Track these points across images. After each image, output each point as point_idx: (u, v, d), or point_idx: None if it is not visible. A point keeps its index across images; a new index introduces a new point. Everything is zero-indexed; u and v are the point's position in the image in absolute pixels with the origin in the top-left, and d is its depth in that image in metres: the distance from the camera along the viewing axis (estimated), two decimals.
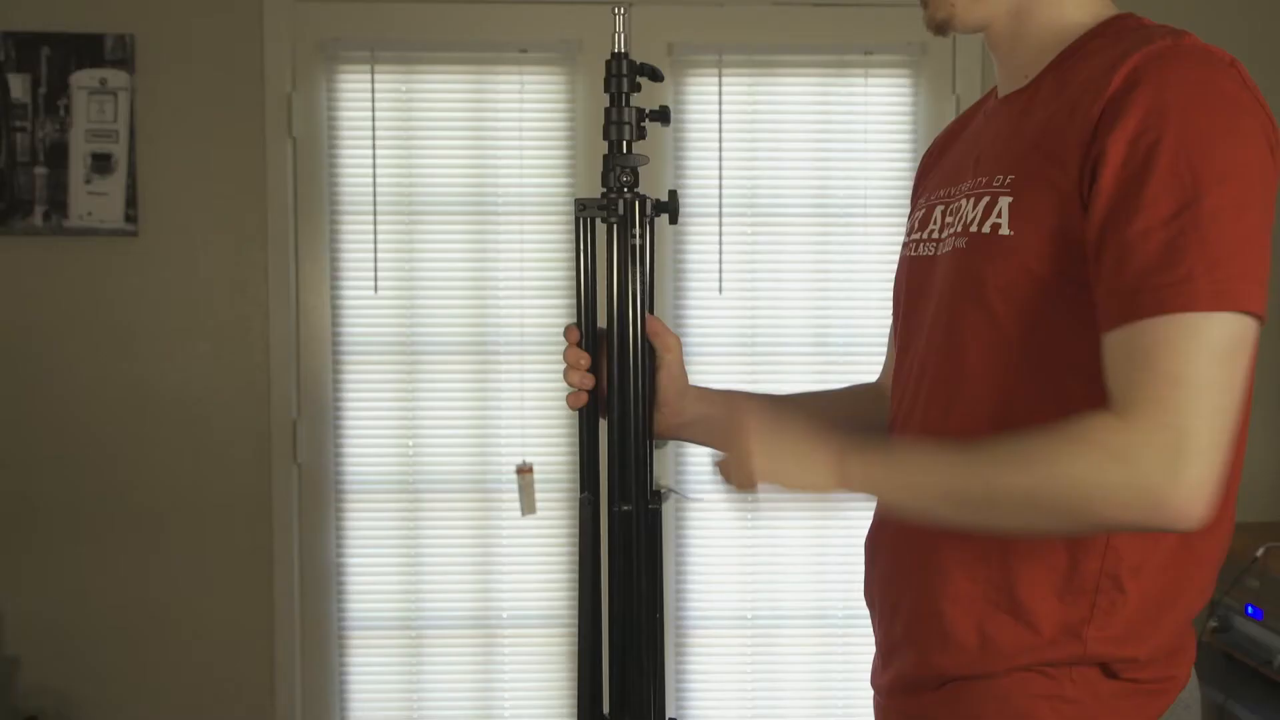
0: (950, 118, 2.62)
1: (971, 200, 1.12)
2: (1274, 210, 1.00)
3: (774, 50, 2.68)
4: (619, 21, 1.18)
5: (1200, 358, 0.93)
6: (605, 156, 1.20)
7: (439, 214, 2.67)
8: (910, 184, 2.75)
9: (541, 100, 2.67)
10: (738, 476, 1.09)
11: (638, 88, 1.20)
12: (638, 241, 1.20)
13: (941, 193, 1.19)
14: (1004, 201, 1.07)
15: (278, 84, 2.62)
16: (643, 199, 1.21)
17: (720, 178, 2.66)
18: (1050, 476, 0.97)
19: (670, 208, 1.23)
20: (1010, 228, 1.06)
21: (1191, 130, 0.97)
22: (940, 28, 1.17)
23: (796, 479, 1.07)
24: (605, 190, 1.21)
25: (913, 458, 1.06)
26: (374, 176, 2.64)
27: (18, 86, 2.58)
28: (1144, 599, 1.06)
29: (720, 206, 2.66)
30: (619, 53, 1.18)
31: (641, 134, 1.20)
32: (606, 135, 1.19)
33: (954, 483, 1.01)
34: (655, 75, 1.21)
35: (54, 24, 2.58)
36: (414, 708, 2.73)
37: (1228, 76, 1.00)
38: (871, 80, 2.68)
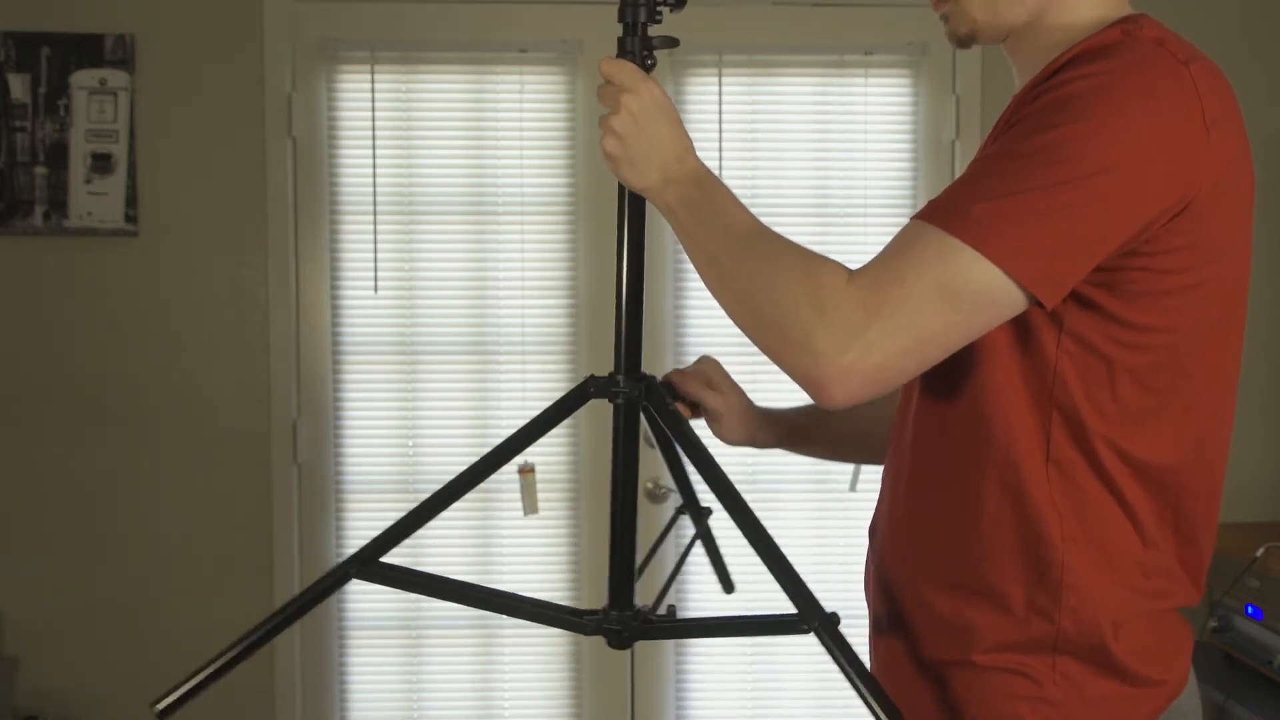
0: (950, 118, 2.62)
1: None
2: (1136, 216, 0.96)
3: (774, 50, 2.68)
4: None
5: (929, 276, 0.95)
6: (619, 39, 1.18)
7: (439, 214, 2.68)
8: (910, 183, 2.75)
9: (541, 100, 2.67)
10: (605, 140, 1.15)
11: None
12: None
13: None
14: None
15: (278, 84, 2.62)
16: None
17: (720, 178, 2.66)
18: (765, 283, 1.01)
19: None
20: None
21: (1087, 108, 0.95)
22: (963, 41, 1.18)
23: (629, 175, 1.15)
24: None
25: (713, 219, 1.12)
26: (374, 176, 2.64)
27: (18, 86, 2.58)
28: (1105, 596, 1.05)
29: None
30: None
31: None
32: (622, 18, 1.18)
33: (718, 245, 1.08)
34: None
35: (54, 24, 2.58)
36: (414, 708, 2.73)
37: (1170, 75, 0.98)
38: (871, 80, 2.67)
